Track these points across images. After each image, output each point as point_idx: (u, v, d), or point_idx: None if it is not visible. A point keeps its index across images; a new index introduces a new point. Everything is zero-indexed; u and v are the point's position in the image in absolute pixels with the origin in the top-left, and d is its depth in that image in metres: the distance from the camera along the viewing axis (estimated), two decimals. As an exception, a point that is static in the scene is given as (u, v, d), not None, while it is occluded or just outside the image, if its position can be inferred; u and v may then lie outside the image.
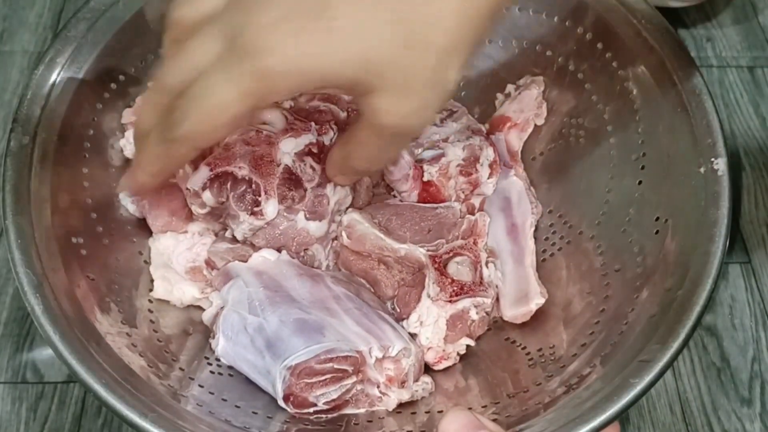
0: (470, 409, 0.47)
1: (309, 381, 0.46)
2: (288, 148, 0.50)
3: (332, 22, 0.34)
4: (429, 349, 0.51)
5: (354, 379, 0.47)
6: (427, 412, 0.48)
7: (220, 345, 0.49)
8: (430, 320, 0.50)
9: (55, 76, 0.51)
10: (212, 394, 0.46)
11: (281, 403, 0.46)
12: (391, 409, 0.48)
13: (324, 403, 0.46)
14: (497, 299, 0.54)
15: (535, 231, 0.58)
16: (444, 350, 0.51)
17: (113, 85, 0.55)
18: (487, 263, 0.53)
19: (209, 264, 0.53)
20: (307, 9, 0.34)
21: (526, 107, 0.60)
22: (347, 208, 0.54)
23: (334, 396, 0.46)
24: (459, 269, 0.52)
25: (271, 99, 0.37)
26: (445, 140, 0.57)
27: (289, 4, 0.34)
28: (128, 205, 0.54)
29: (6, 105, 0.71)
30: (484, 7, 0.35)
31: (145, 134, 0.40)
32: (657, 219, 0.50)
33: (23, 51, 0.75)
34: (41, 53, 0.73)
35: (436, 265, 0.51)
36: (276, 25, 0.34)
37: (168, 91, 0.38)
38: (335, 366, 0.46)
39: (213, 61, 0.36)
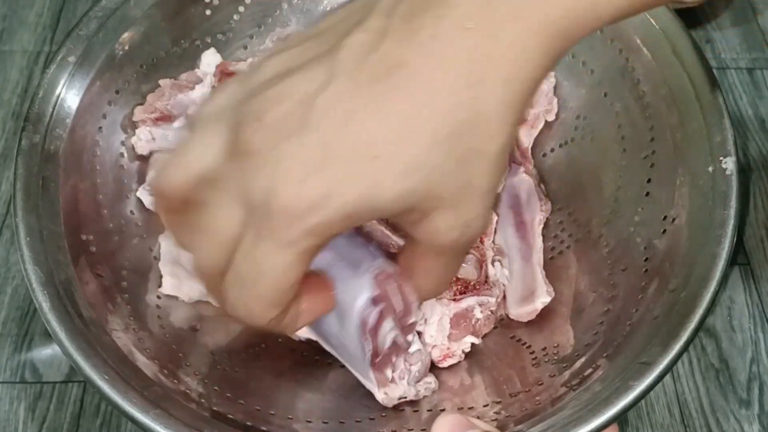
0: (471, 408, 0.48)
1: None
2: None
3: (376, 160, 0.29)
4: (433, 347, 0.51)
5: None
6: (429, 410, 0.48)
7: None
8: (434, 318, 0.50)
9: (67, 74, 0.52)
10: (217, 390, 0.47)
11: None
12: (392, 407, 0.48)
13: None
14: (503, 297, 0.54)
15: (544, 228, 0.57)
16: (448, 348, 0.51)
17: (124, 83, 0.55)
18: (493, 262, 0.53)
19: (217, 260, 0.53)
20: (337, 151, 0.29)
21: (537, 103, 0.59)
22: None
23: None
24: (464, 267, 0.52)
25: (324, 246, 0.32)
26: (453, 137, 0.57)
27: (309, 151, 0.29)
28: (145, 198, 0.55)
29: (5, 104, 0.70)
30: (527, 93, 0.31)
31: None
32: (664, 218, 0.50)
33: (23, 51, 0.75)
34: (41, 53, 0.75)
35: (441, 264, 0.51)
36: (309, 180, 0.29)
37: (211, 276, 0.33)
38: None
39: (241, 231, 0.31)
